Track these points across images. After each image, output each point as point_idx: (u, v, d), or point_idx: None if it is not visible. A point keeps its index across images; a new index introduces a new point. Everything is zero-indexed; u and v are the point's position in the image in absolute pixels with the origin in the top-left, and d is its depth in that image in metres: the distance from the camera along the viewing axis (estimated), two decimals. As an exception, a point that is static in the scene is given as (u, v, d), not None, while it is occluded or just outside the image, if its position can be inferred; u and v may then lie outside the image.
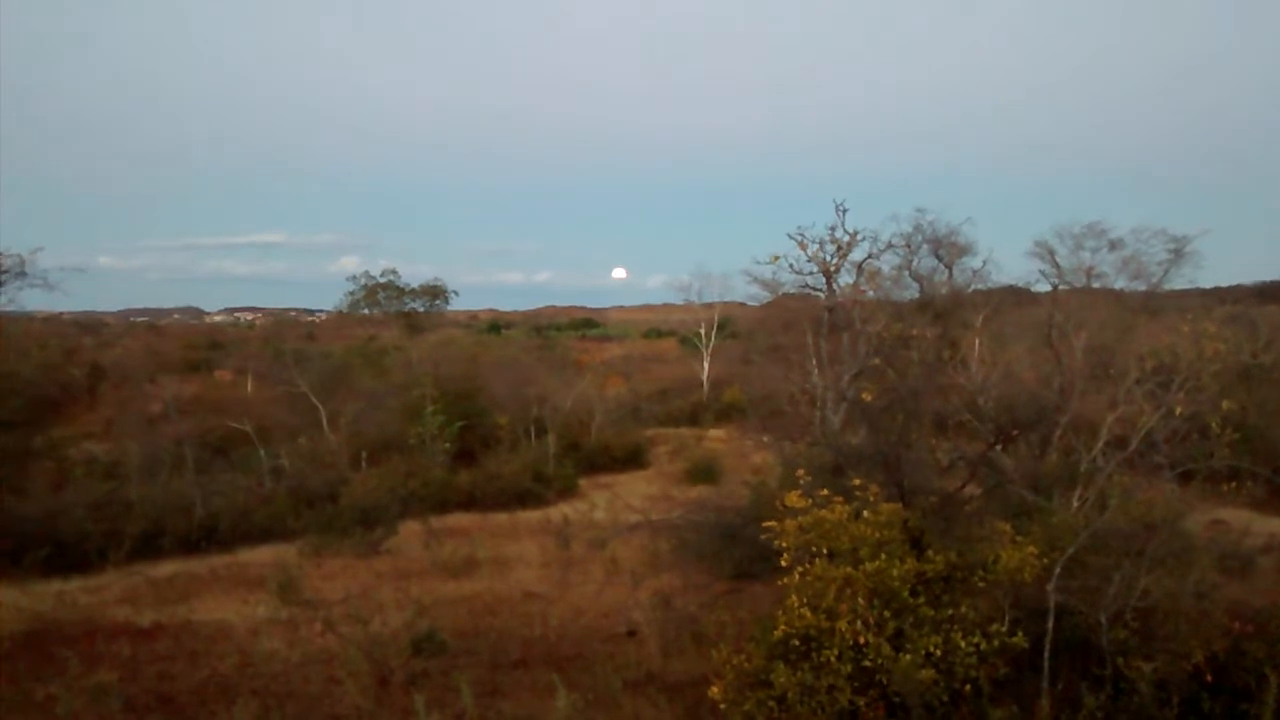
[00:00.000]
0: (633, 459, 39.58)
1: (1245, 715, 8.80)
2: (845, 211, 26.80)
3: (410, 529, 24.17)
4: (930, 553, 10.13)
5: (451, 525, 25.75)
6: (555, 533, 22.77)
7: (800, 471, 11.73)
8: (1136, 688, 8.88)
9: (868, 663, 9.06)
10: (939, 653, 9.06)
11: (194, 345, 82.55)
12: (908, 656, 8.90)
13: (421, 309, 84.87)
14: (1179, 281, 40.32)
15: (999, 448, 15.80)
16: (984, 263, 39.08)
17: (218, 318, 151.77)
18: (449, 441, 34.31)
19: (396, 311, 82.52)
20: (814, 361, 27.24)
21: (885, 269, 31.30)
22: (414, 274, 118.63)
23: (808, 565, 10.03)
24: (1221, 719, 8.97)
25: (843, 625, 9.23)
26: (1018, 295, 41.65)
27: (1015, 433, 16.78)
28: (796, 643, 9.34)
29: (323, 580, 19.33)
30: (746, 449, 34.13)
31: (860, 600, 9.47)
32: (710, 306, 64.33)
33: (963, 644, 9.10)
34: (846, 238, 27.27)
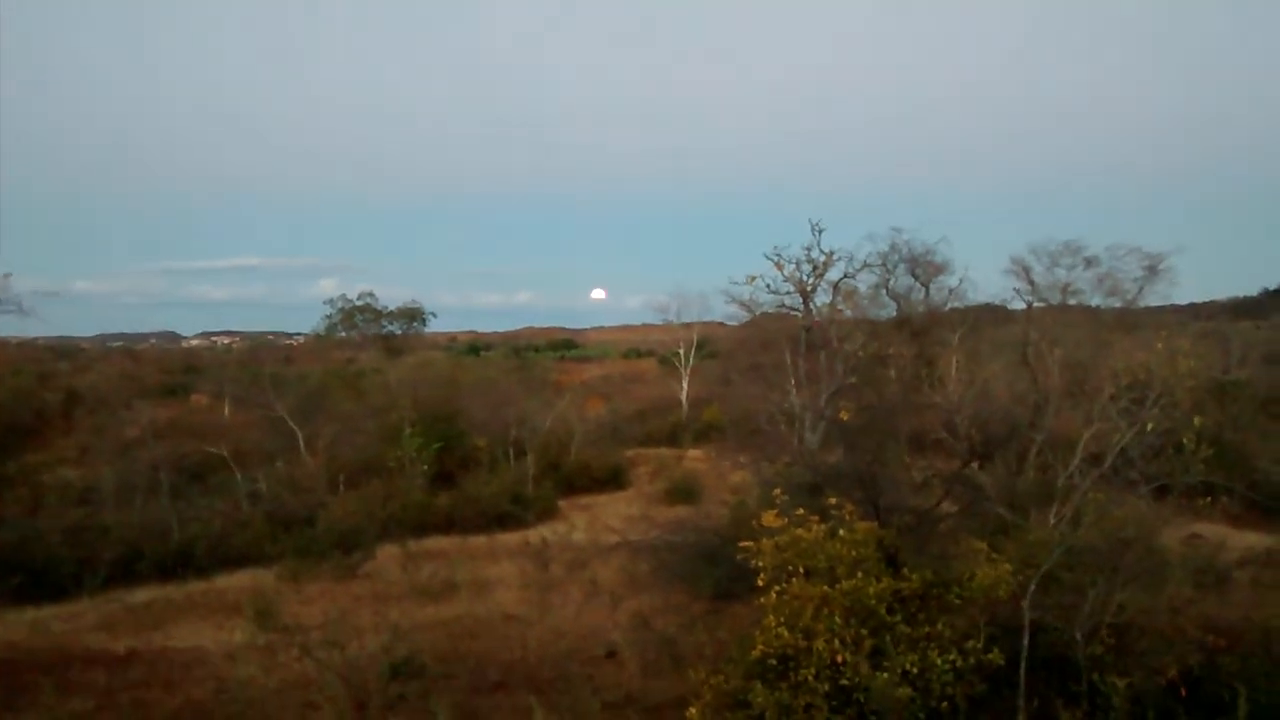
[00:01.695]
0: (612, 479, 39.52)
1: (1219, 729, 8.86)
2: (821, 231, 27.04)
3: (388, 552, 24.04)
4: (906, 571, 10.17)
5: (430, 548, 25.61)
6: (534, 555, 22.69)
7: (777, 491, 11.77)
8: (1112, 703, 8.92)
9: (845, 681, 9.07)
10: (916, 670, 9.09)
11: (170, 370, 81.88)
12: (885, 675, 8.92)
13: (399, 331, 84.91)
14: (1154, 298, 40.70)
15: (975, 465, 15.89)
16: (960, 281, 39.41)
17: (194, 342, 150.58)
18: (427, 464, 34.19)
19: (374, 334, 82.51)
20: (792, 381, 27.37)
21: (862, 288, 31.61)
22: (392, 296, 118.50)
23: (785, 585, 10.04)
24: (1196, 733, 9.02)
25: (820, 644, 9.24)
26: (994, 313, 41.95)
27: (990, 450, 16.89)
28: (774, 662, 9.34)
29: (300, 605, 19.19)
30: (726, 469, 34.14)
31: (837, 619, 9.48)
32: (689, 326, 64.41)
33: (939, 662, 9.14)
34: (822, 257, 27.52)
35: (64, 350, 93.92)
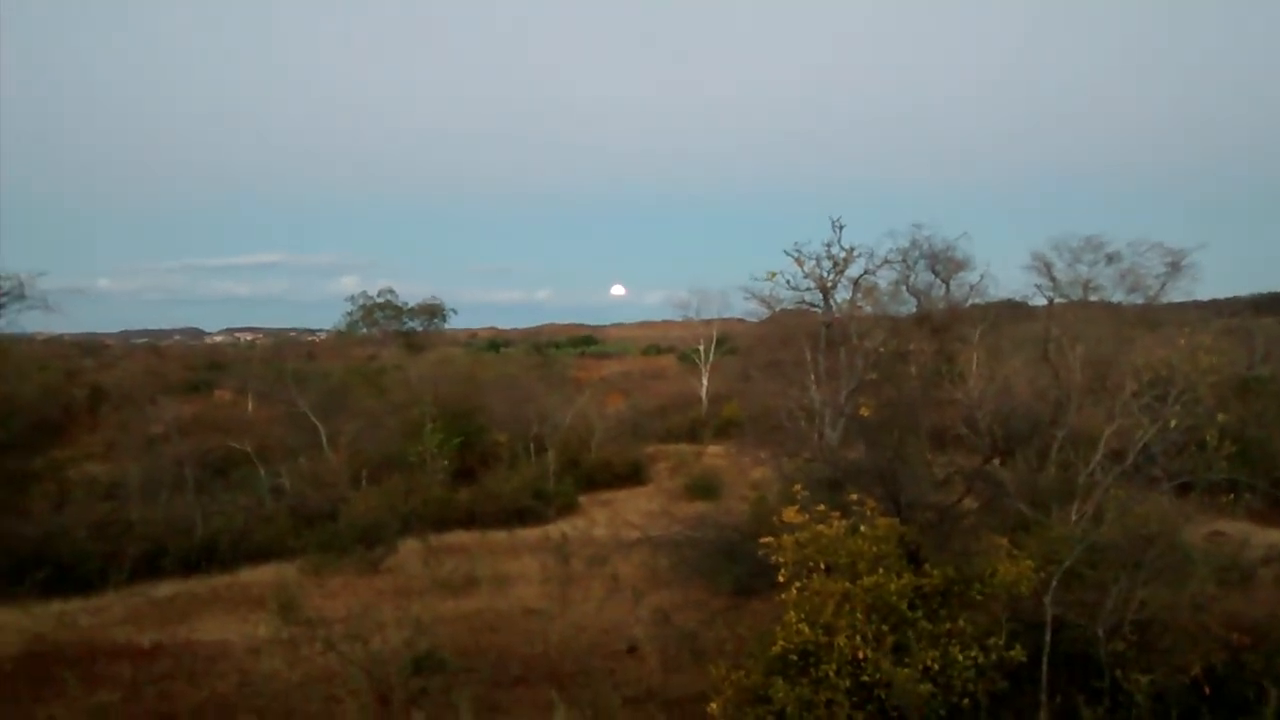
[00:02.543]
0: (632, 475, 39.53)
1: (1243, 727, 8.82)
2: (842, 228, 26.93)
3: (410, 547, 24.14)
4: (927, 567, 10.16)
5: (451, 543, 25.71)
6: (555, 550, 22.71)
7: (798, 487, 11.77)
8: (1135, 700, 8.90)
9: (866, 677, 9.08)
10: (937, 667, 9.09)
11: (194, 366, 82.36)
12: (906, 671, 8.92)
13: (420, 328, 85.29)
14: (1176, 294, 40.50)
15: (996, 462, 15.84)
16: (981, 277, 39.20)
17: (218, 338, 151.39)
18: (448, 459, 34.28)
19: (395, 331, 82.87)
20: (812, 377, 27.28)
21: (882, 284, 31.43)
22: (414, 293, 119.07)
23: (806, 580, 10.05)
24: (1220, 731, 8.99)
25: (841, 640, 9.25)
26: (1015, 309, 41.75)
27: (1012, 447, 16.85)
28: (795, 658, 9.36)
29: (323, 599, 19.31)
30: (745, 465, 34.08)
31: (858, 615, 9.48)
32: (709, 323, 64.37)
33: (960, 658, 9.13)
34: (843, 254, 27.39)
35: (89, 347, 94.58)
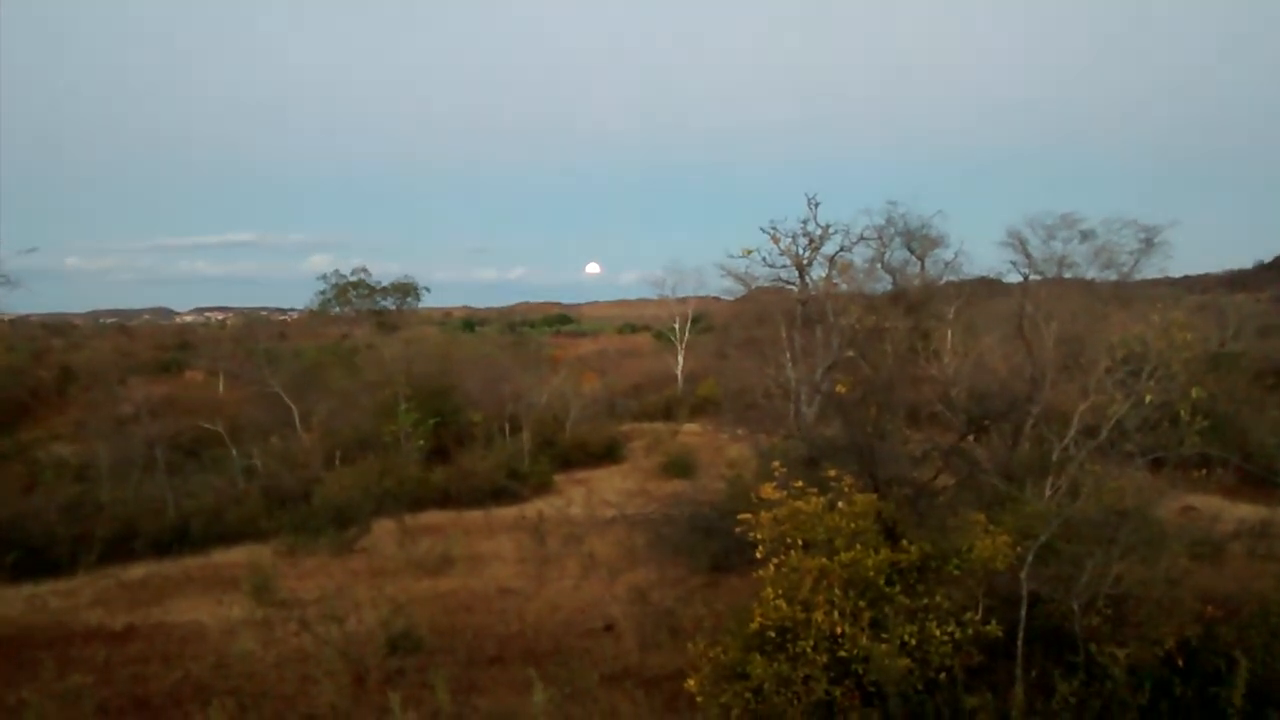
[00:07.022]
0: (608, 454, 39.56)
1: (1215, 698, 8.87)
2: (817, 205, 26.92)
3: (385, 527, 24.06)
4: (904, 542, 10.16)
5: (426, 523, 25.64)
6: (531, 529, 22.71)
7: (775, 464, 11.75)
8: (1109, 673, 8.93)
9: (844, 653, 9.07)
10: (914, 642, 9.10)
11: (164, 346, 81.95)
12: (883, 646, 8.92)
13: (393, 307, 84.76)
14: (1150, 270, 40.83)
15: (971, 438, 15.89)
16: (956, 254, 39.42)
17: (188, 318, 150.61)
18: (423, 439, 34.17)
19: (368, 310, 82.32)
20: (788, 354, 27.32)
21: (858, 262, 31.50)
22: (388, 272, 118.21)
23: (783, 557, 10.03)
24: (1192, 702, 9.03)
25: (819, 616, 9.24)
26: (990, 286, 41.93)
27: (987, 423, 16.89)
28: (772, 634, 9.34)
29: (297, 580, 19.21)
30: (722, 443, 34.16)
31: (836, 591, 9.48)
32: (684, 301, 64.47)
33: (937, 633, 9.14)
34: (819, 231, 27.39)
35: (57, 327, 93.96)
